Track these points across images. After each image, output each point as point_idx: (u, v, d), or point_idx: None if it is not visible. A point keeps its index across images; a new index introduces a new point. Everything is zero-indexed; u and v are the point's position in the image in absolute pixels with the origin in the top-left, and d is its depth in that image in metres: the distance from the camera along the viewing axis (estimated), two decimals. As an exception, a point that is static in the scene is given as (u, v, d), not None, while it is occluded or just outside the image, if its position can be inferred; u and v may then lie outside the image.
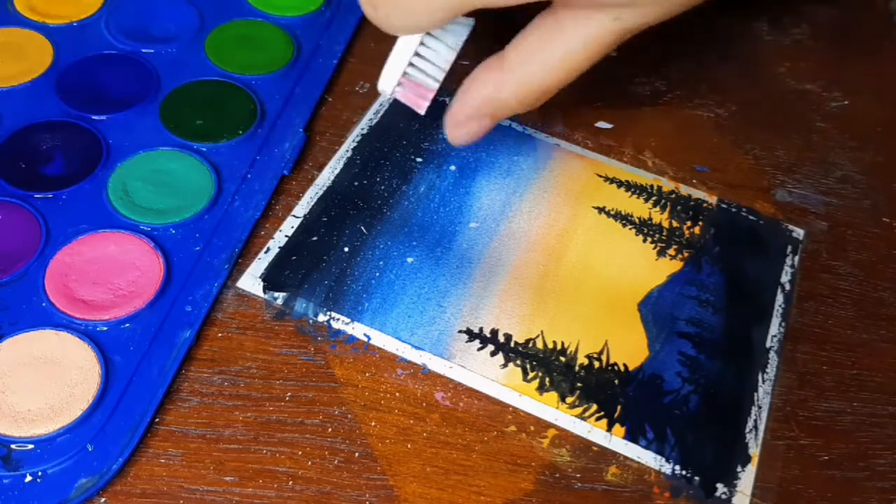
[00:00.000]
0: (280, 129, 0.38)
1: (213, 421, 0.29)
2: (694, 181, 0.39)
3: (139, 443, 0.28)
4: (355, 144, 0.38)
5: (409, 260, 0.34)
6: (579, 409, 0.31)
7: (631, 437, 0.30)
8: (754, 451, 0.30)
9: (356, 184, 0.36)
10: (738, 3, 0.49)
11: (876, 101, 0.45)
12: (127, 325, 0.30)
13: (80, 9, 0.41)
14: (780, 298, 0.35)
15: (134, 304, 0.31)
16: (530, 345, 0.32)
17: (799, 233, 0.38)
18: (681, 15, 0.49)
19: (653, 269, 0.35)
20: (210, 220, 0.34)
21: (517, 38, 0.30)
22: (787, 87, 0.45)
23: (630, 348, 0.32)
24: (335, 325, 0.32)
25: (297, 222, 0.35)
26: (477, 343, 0.32)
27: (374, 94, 0.40)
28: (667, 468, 0.30)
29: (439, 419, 0.30)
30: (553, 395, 0.31)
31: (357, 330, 0.32)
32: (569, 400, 0.31)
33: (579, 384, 0.31)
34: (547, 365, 0.32)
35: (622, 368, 0.32)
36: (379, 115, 0.39)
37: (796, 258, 0.37)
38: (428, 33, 0.31)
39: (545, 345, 0.32)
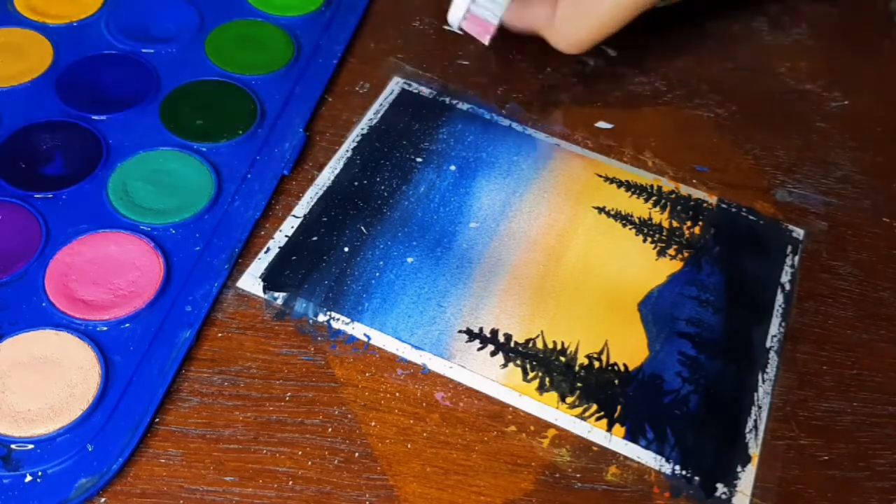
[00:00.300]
0: (280, 129, 0.38)
1: (213, 421, 0.29)
2: (694, 181, 0.39)
3: (139, 443, 0.28)
4: (355, 144, 0.38)
5: (409, 260, 0.34)
6: (579, 409, 0.31)
7: (631, 437, 0.30)
8: (754, 451, 0.30)
9: (356, 184, 0.36)
10: (738, 3, 0.49)
11: (876, 101, 0.45)
12: (127, 325, 0.30)
13: (80, 9, 0.41)
14: (780, 298, 0.35)
15: (134, 304, 0.31)
16: (530, 345, 0.32)
17: (799, 233, 0.38)
18: (681, 14, 0.49)
19: (653, 269, 0.35)
20: (210, 220, 0.34)
21: None
22: (787, 87, 0.45)
23: (630, 348, 0.32)
24: (335, 325, 0.32)
25: (297, 222, 0.35)
26: (477, 343, 0.32)
27: (374, 94, 0.40)
28: (667, 468, 0.30)
29: (439, 419, 0.30)
30: (553, 395, 0.31)
31: (357, 330, 0.32)
32: (569, 400, 0.31)
33: (579, 384, 0.31)
34: (547, 365, 0.32)
35: (622, 368, 0.32)
36: (379, 115, 0.39)
37: (796, 258, 0.37)
38: None
39: (545, 345, 0.32)
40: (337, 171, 0.37)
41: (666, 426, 0.31)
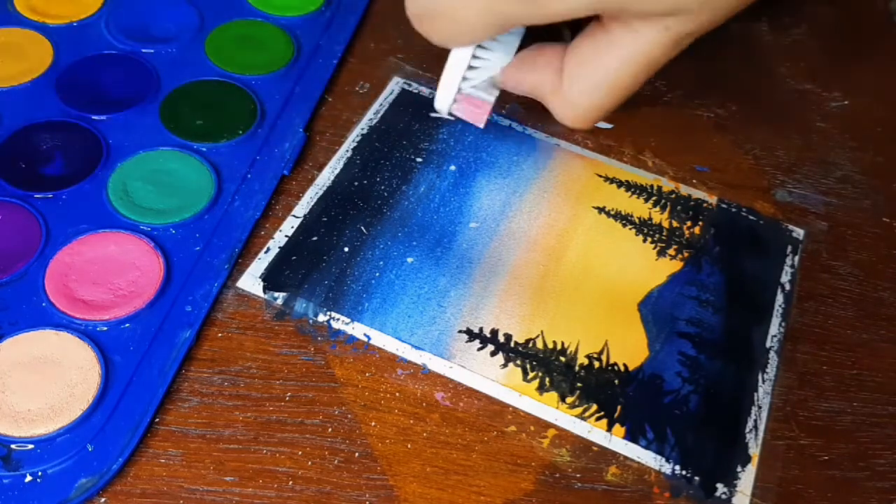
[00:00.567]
0: (280, 129, 0.38)
1: (213, 421, 0.29)
2: (694, 181, 0.39)
3: (139, 443, 0.28)
4: (355, 144, 0.38)
5: (409, 260, 0.34)
6: (579, 409, 0.31)
7: (631, 437, 0.30)
8: (754, 451, 0.30)
9: (356, 184, 0.36)
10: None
11: (876, 101, 0.45)
12: (127, 325, 0.30)
13: (80, 9, 0.41)
14: (780, 298, 0.35)
15: (134, 304, 0.31)
16: (530, 345, 0.32)
17: (799, 233, 0.38)
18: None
19: (653, 269, 0.35)
20: (210, 220, 0.34)
21: (574, 51, 0.30)
22: (787, 87, 0.45)
23: (630, 348, 0.32)
24: (335, 325, 0.32)
25: (297, 222, 0.35)
26: (477, 343, 0.32)
27: (374, 94, 0.40)
28: (667, 468, 0.30)
29: (439, 419, 0.30)
30: (553, 395, 0.31)
31: (357, 330, 0.32)
32: (569, 400, 0.31)
33: (579, 384, 0.31)
34: (547, 365, 0.32)
35: (622, 368, 0.32)
36: (379, 115, 0.39)
37: (796, 258, 0.37)
38: (479, 46, 0.31)
39: (545, 345, 0.32)
40: (337, 171, 0.37)
41: (666, 426, 0.31)
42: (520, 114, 0.41)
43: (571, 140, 0.40)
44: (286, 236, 0.34)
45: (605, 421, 0.30)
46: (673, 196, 0.38)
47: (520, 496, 0.29)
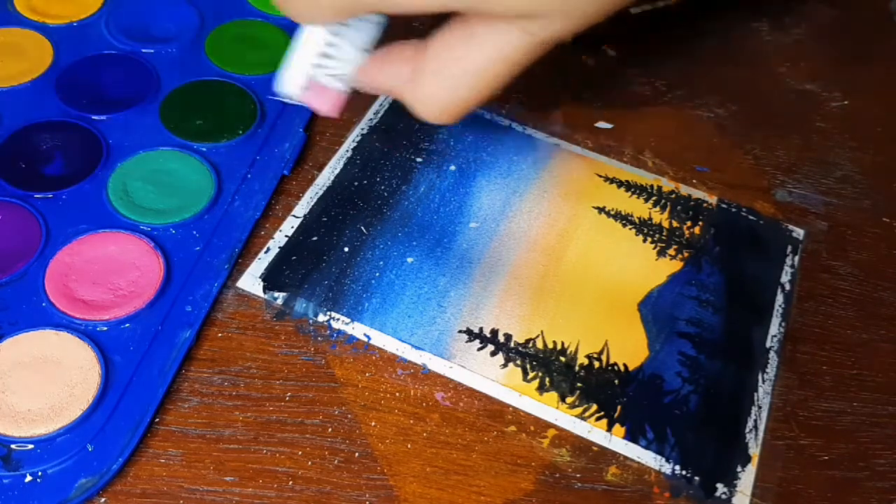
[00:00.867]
0: (280, 129, 0.38)
1: (213, 421, 0.29)
2: (694, 181, 0.39)
3: (139, 443, 0.28)
4: (355, 144, 0.38)
5: (409, 260, 0.34)
6: (579, 409, 0.31)
7: (631, 437, 0.30)
8: (754, 451, 0.30)
9: (356, 184, 0.36)
10: (738, 3, 0.49)
11: (876, 101, 0.45)
12: (127, 325, 0.30)
13: (80, 9, 0.41)
14: (780, 298, 0.35)
15: (134, 304, 0.31)
16: (530, 345, 0.32)
17: (799, 233, 0.38)
18: (682, 15, 0.49)
19: (653, 269, 0.35)
20: (210, 220, 0.34)
21: (433, 43, 0.29)
22: (787, 87, 0.45)
23: (630, 348, 0.32)
24: (335, 325, 0.32)
25: (297, 222, 0.35)
26: (477, 343, 0.32)
27: (374, 94, 0.40)
28: (667, 468, 0.30)
29: (439, 419, 0.30)
30: (553, 395, 0.31)
31: (357, 330, 0.32)
32: (569, 400, 0.31)
33: (579, 384, 0.31)
34: (547, 365, 0.32)
35: (622, 368, 0.32)
36: (379, 116, 0.39)
37: (796, 258, 0.37)
38: (335, 34, 0.30)
39: (545, 345, 0.32)
40: (337, 171, 0.37)
41: (666, 426, 0.31)
42: (520, 114, 0.41)
43: (571, 140, 0.40)
44: (286, 236, 0.34)
45: (605, 421, 0.30)
46: (673, 196, 0.38)
47: (520, 496, 0.29)
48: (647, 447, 0.30)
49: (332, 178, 0.37)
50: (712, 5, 0.48)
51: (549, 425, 0.30)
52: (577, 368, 0.32)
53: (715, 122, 0.42)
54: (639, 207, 0.37)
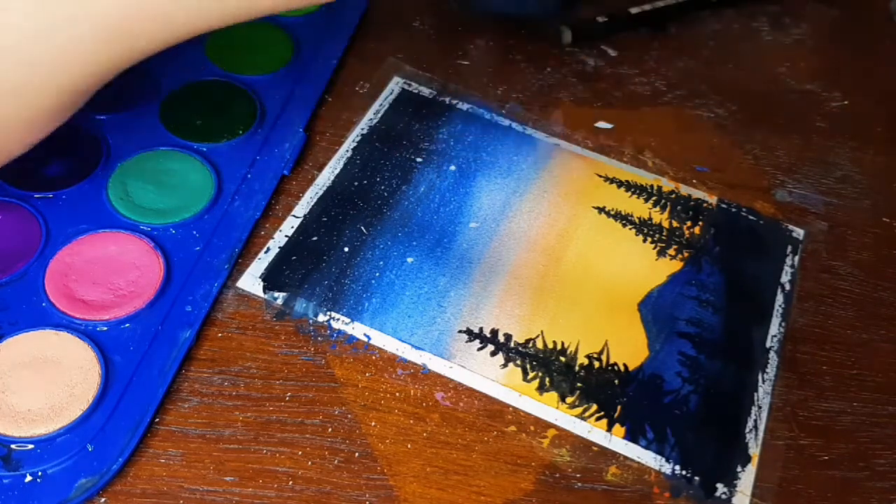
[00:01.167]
0: (280, 129, 0.38)
1: (213, 421, 0.29)
2: (694, 181, 0.39)
3: (139, 443, 0.28)
4: (355, 144, 0.38)
5: (409, 260, 0.34)
6: (579, 409, 0.31)
7: (631, 437, 0.30)
8: (754, 451, 0.30)
9: (356, 184, 0.36)
10: (738, 3, 0.49)
11: (876, 101, 0.45)
12: (127, 325, 0.30)
13: (80, 9, 0.41)
14: (780, 298, 0.35)
15: (134, 304, 0.31)
16: (530, 345, 0.32)
17: (799, 233, 0.38)
18: (679, 16, 0.49)
19: (653, 269, 0.35)
20: (210, 220, 0.34)
21: None
22: (787, 87, 0.45)
23: (630, 348, 0.32)
24: (335, 325, 0.32)
25: (297, 222, 0.35)
26: (477, 343, 0.32)
27: (374, 94, 0.40)
28: (667, 468, 0.30)
29: (439, 419, 0.30)
30: (553, 395, 0.31)
31: (357, 330, 0.32)
32: (569, 400, 0.31)
33: (579, 384, 0.31)
34: (547, 365, 0.32)
35: (622, 368, 0.32)
36: (379, 115, 0.39)
37: (796, 258, 0.37)
38: None
39: (545, 345, 0.32)
40: (337, 171, 0.37)
41: (666, 426, 0.31)
42: (520, 114, 0.41)
43: (571, 140, 0.40)
44: (286, 236, 0.34)
45: (605, 421, 0.30)
46: (673, 196, 0.38)
47: (520, 496, 0.29)
48: (647, 447, 0.30)
49: (332, 178, 0.37)
50: (712, 5, 0.48)
51: (549, 425, 0.30)
52: (577, 368, 0.32)
53: (715, 122, 0.42)
54: (639, 207, 0.37)
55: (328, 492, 0.28)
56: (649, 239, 0.36)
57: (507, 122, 0.40)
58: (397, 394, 0.31)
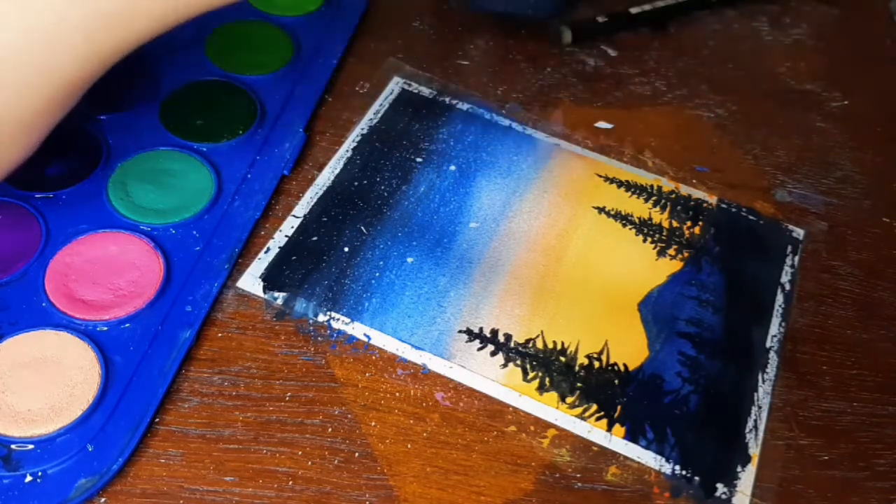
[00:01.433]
0: (280, 129, 0.38)
1: (213, 421, 0.29)
2: (694, 181, 0.39)
3: (139, 443, 0.28)
4: (355, 144, 0.38)
5: (409, 260, 0.34)
6: (579, 409, 0.31)
7: (631, 437, 0.30)
8: (754, 451, 0.30)
9: (356, 184, 0.36)
10: (738, 3, 0.49)
11: (876, 101, 0.45)
12: (127, 325, 0.30)
13: (80, 9, 0.41)
14: (780, 298, 0.35)
15: (134, 304, 0.31)
16: (530, 345, 0.32)
17: (799, 233, 0.38)
18: (679, 16, 0.49)
19: (653, 268, 0.35)
20: (210, 220, 0.34)
21: None
22: (787, 87, 0.45)
23: (630, 348, 0.32)
24: (335, 325, 0.32)
25: (297, 222, 0.35)
26: (477, 343, 0.32)
27: (374, 94, 0.40)
28: (667, 468, 0.30)
29: (439, 419, 0.30)
30: (553, 395, 0.31)
31: (357, 330, 0.32)
32: (569, 400, 0.31)
33: (579, 384, 0.31)
34: (547, 365, 0.32)
35: (622, 368, 0.32)
36: (379, 115, 0.39)
37: (796, 258, 0.37)
38: None
39: (545, 345, 0.32)
40: (337, 171, 0.37)
41: (666, 426, 0.31)
42: (520, 114, 0.41)
43: (571, 140, 0.40)
44: (286, 236, 0.34)
45: (605, 421, 0.30)
46: (673, 196, 0.38)
47: (520, 496, 0.29)
48: (647, 447, 0.30)
49: (332, 178, 0.37)
50: (712, 5, 0.48)
51: (549, 425, 0.30)
52: (577, 368, 0.32)
53: (715, 122, 0.42)
54: (639, 207, 0.37)
55: (328, 492, 0.28)
56: (649, 239, 0.36)
57: (507, 122, 0.40)
58: (397, 394, 0.31)
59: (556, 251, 0.35)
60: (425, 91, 0.41)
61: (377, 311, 0.32)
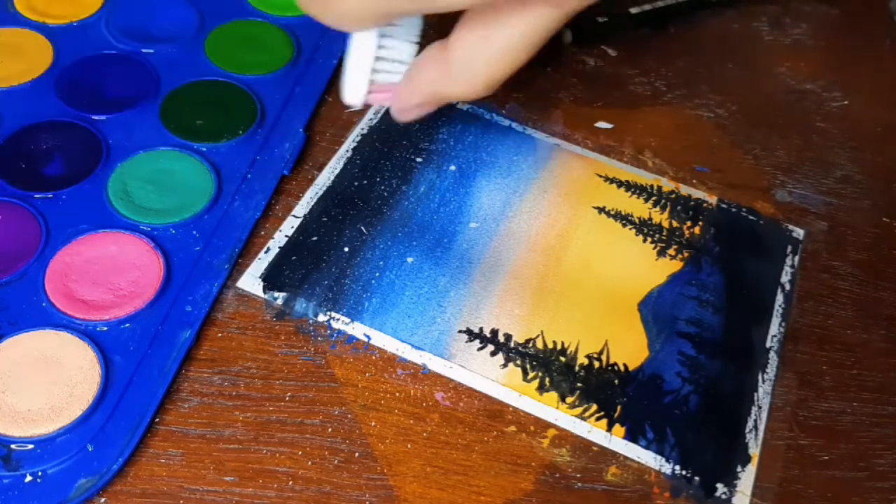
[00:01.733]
0: (280, 129, 0.38)
1: (213, 421, 0.29)
2: (694, 181, 0.39)
3: (139, 443, 0.28)
4: (355, 144, 0.38)
5: (409, 260, 0.34)
6: (579, 409, 0.31)
7: (631, 437, 0.30)
8: (754, 451, 0.30)
9: (356, 184, 0.36)
10: (738, 3, 0.49)
11: (876, 101, 0.45)
12: (127, 325, 0.30)
13: (80, 9, 0.41)
14: (780, 298, 0.35)
15: (134, 304, 0.31)
16: (530, 345, 0.32)
17: (799, 233, 0.38)
18: (681, 14, 0.49)
19: (653, 268, 0.35)
20: (210, 220, 0.34)
21: (459, 30, 0.30)
22: (787, 87, 0.45)
23: (630, 348, 0.32)
24: (335, 325, 0.32)
25: (297, 222, 0.35)
26: (477, 343, 0.32)
27: (374, 94, 0.40)
28: (667, 468, 0.30)
29: (439, 419, 0.30)
30: (553, 395, 0.31)
31: (357, 330, 0.32)
32: (569, 400, 0.31)
33: (579, 384, 0.31)
34: (547, 365, 0.32)
35: (622, 368, 0.32)
36: (379, 115, 0.39)
37: (796, 258, 0.37)
38: (384, 33, 0.31)
39: (545, 345, 0.32)
40: (337, 171, 0.37)
41: (666, 426, 0.31)
42: (520, 114, 0.41)
43: (571, 140, 0.40)
44: (286, 236, 0.34)
45: (605, 421, 0.30)
46: (673, 196, 0.38)
47: (520, 496, 0.29)
48: (647, 447, 0.30)
49: (332, 178, 0.37)
50: (712, 5, 0.48)
51: (549, 425, 0.30)
52: (577, 368, 0.32)
53: (715, 122, 0.42)
54: (639, 207, 0.37)
55: (328, 492, 0.28)
56: (649, 239, 0.36)
57: (507, 122, 0.40)
58: (397, 394, 0.31)
59: (556, 251, 0.35)
60: (425, 91, 0.41)
61: (377, 311, 0.32)
